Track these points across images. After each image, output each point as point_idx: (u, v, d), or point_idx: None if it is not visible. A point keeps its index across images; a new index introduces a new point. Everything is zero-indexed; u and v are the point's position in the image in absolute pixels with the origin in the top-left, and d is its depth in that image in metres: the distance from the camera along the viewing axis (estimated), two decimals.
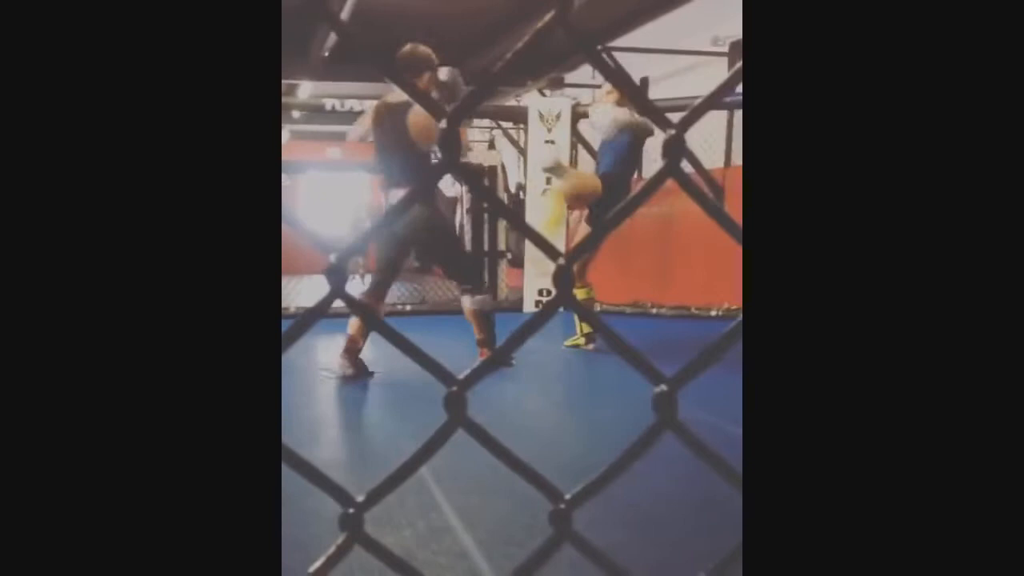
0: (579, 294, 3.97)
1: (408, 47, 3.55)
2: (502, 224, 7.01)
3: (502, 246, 7.08)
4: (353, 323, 3.59)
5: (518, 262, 6.83)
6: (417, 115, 3.39)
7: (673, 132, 0.40)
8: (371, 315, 0.41)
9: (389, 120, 3.51)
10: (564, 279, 0.38)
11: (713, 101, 0.41)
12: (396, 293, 7.02)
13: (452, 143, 0.36)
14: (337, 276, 0.38)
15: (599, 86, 7.62)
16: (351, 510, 0.39)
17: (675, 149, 0.40)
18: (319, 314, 0.38)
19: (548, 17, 0.36)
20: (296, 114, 9.14)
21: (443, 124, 0.36)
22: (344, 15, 5.92)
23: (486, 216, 6.94)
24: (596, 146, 4.56)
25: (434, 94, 3.56)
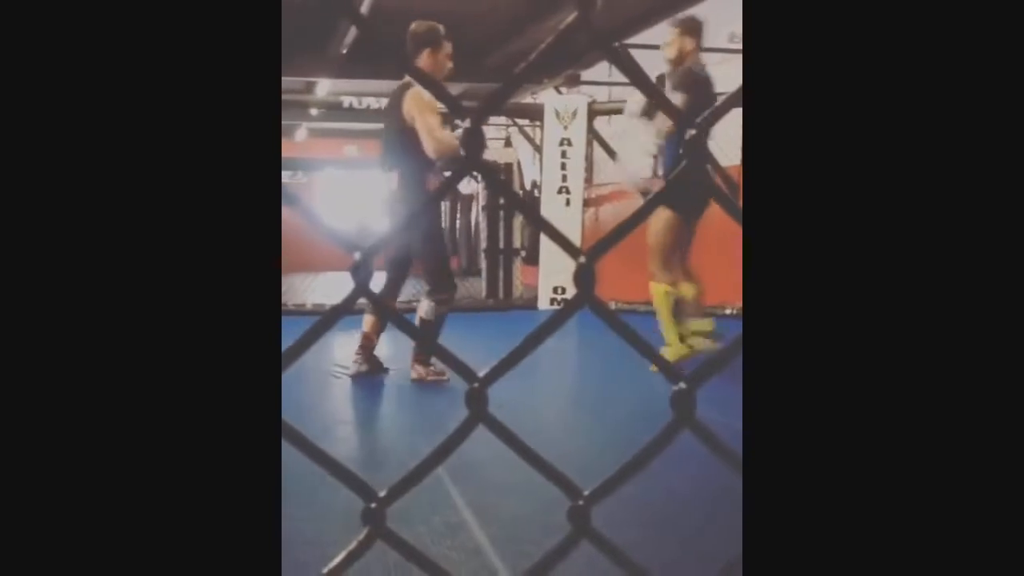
0: (662, 290, 3.56)
1: (413, 25, 3.43)
2: (517, 221, 7.01)
3: (517, 244, 7.08)
4: (368, 320, 3.58)
5: (533, 259, 6.83)
6: (414, 93, 3.27)
7: (694, 132, 0.40)
8: (395, 313, 0.41)
9: (390, 102, 3.47)
10: (585, 278, 0.38)
11: (735, 101, 0.41)
12: (408, 291, 7.05)
13: (476, 141, 0.36)
14: (362, 273, 0.38)
15: (615, 84, 7.60)
16: (373, 505, 0.40)
17: (697, 148, 0.40)
18: (344, 311, 0.39)
19: (571, 18, 0.36)
20: (314, 111, 9.18)
21: (467, 123, 0.37)
22: (362, 12, 5.94)
23: (501, 213, 6.94)
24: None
25: (448, 66, 3.42)
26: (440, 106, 3.34)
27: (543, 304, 6.42)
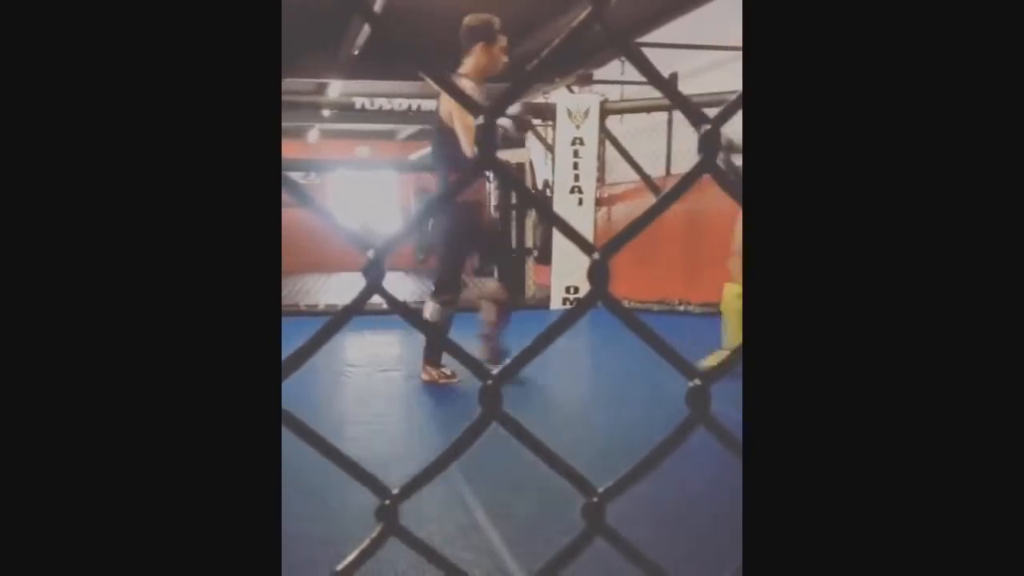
0: (736, 291, 3.50)
1: (467, 18, 3.31)
2: (529, 221, 7.01)
3: (529, 243, 7.09)
4: (488, 310, 3.48)
5: (545, 259, 6.82)
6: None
7: (708, 127, 0.40)
8: (410, 312, 0.41)
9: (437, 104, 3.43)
10: (599, 274, 0.38)
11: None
12: (417, 290, 7.07)
13: (489, 138, 0.36)
14: (374, 272, 0.38)
15: (627, 83, 7.59)
16: (387, 501, 0.40)
17: (710, 144, 0.40)
18: (356, 310, 0.39)
19: (584, 14, 0.36)
20: (326, 113, 9.21)
21: (479, 120, 0.37)
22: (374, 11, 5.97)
23: (513, 214, 6.95)
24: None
25: (503, 61, 3.31)
26: (481, 103, 3.23)
27: (555, 304, 6.42)
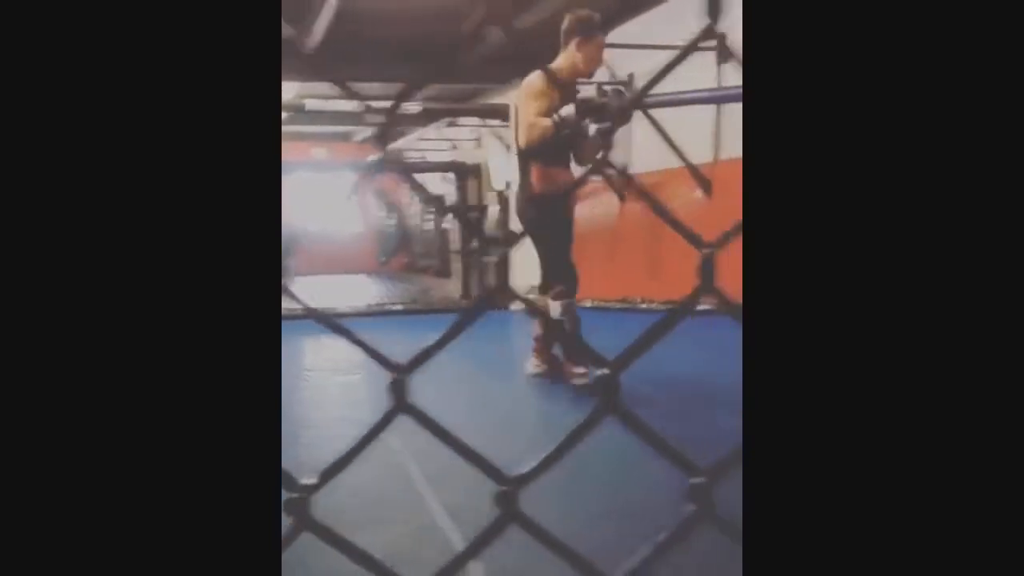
0: None
1: (568, 15, 3.12)
2: (491, 221, 7.01)
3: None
4: (537, 324, 3.41)
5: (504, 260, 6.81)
6: (523, 84, 3.07)
7: (603, 126, 0.41)
8: (323, 313, 0.42)
9: None
10: (500, 272, 0.39)
11: (647, 90, 0.42)
12: (379, 293, 7.01)
13: (385, 139, 0.37)
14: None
15: (590, 82, 7.58)
16: (295, 495, 0.41)
17: (605, 142, 0.41)
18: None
19: (477, 17, 0.37)
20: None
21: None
22: (327, 16, 5.92)
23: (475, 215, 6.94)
24: None
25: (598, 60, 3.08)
26: (550, 91, 2.99)
27: (515, 304, 6.43)
